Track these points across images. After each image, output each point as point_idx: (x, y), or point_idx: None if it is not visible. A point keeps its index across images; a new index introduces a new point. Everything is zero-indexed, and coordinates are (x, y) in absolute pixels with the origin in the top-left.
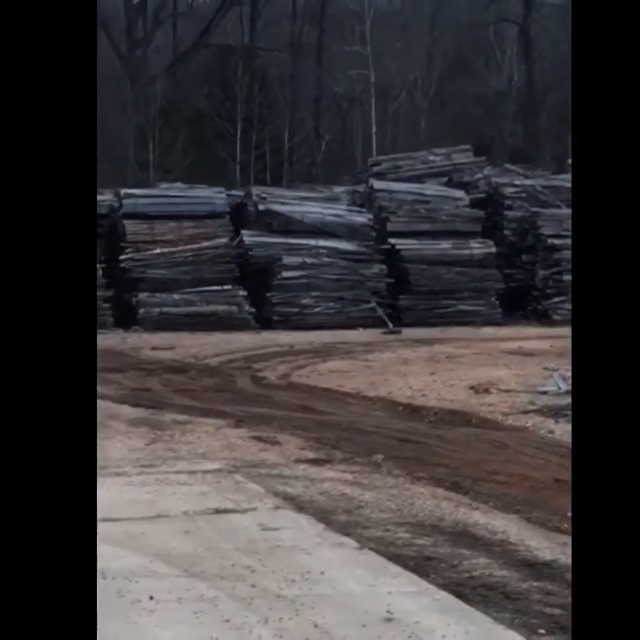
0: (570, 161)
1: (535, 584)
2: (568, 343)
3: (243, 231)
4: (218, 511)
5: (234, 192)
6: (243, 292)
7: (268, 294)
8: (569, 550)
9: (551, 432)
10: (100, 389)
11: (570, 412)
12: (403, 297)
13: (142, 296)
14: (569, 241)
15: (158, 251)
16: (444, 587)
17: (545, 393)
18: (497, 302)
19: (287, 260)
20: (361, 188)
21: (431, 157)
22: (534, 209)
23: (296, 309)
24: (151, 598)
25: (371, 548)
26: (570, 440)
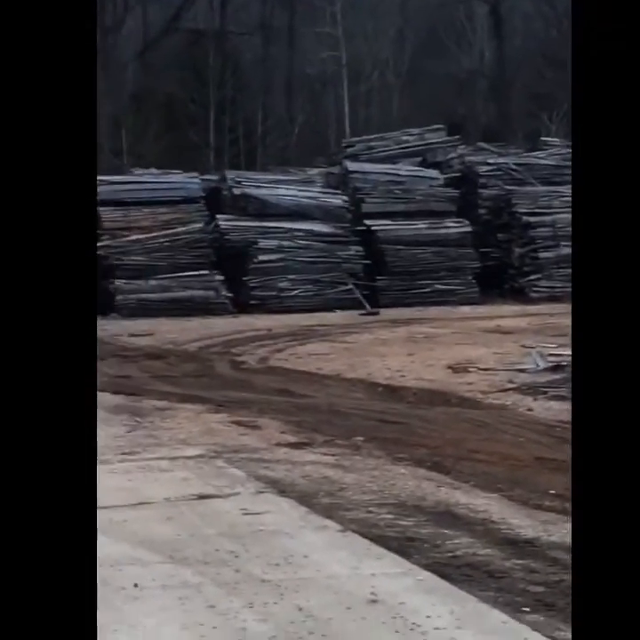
0: (543, 138)
1: (518, 562)
2: (545, 320)
3: (218, 216)
4: (200, 497)
5: (208, 177)
6: (219, 277)
7: (245, 278)
8: (551, 528)
9: (530, 410)
10: None
11: (549, 390)
12: (379, 278)
13: (119, 283)
14: (544, 218)
15: (134, 237)
16: (427, 567)
17: (523, 371)
18: (473, 281)
19: (263, 243)
20: (335, 169)
21: (404, 137)
22: (508, 187)
23: (273, 293)
24: (135, 585)
25: (353, 531)
26: (548, 417)
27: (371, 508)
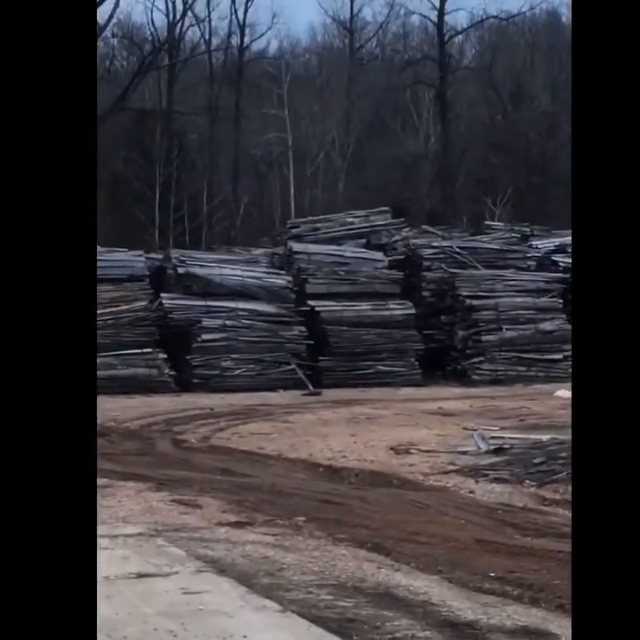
0: (487, 222)
1: None
2: (487, 403)
3: (162, 294)
4: (140, 575)
5: (153, 255)
6: (163, 355)
7: (188, 357)
8: (490, 610)
9: (472, 492)
10: None
11: (490, 472)
12: (322, 358)
13: None
14: (487, 301)
15: None
16: None
17: (465, 453)
18: (416, 363)
19: (207, 322)
20: (280, 250)
21: (349, 219)
22: (452, 270)
23: (216, 372)
24: None
25: (293, 611)
26: (490, 499)
27: (311, 589)
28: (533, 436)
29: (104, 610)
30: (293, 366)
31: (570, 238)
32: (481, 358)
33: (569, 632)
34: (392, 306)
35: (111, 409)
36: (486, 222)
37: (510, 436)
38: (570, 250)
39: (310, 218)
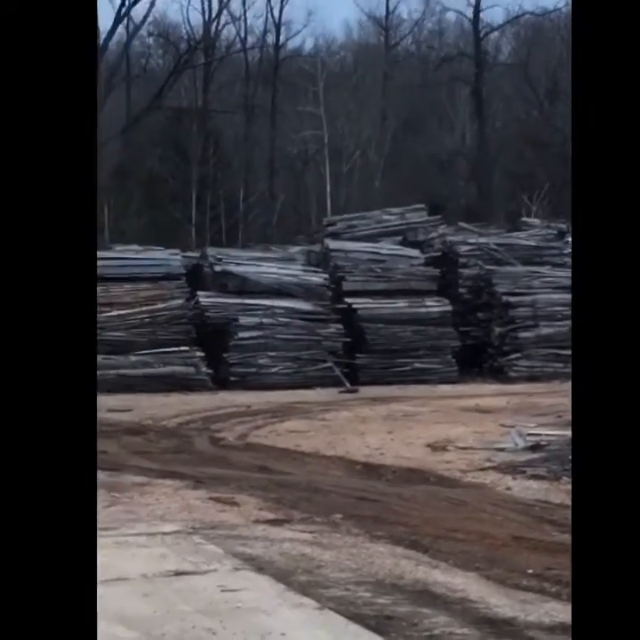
0: (523, 219)
1: None
2: (524, 400)
3: (199, 292)
4: (177, 573)
5: (189, 253)
6: (200, 353)
7: (225, 355)
8: (528, 607)
9: (509, 489)
10: None
11: (527, 469)
12: (359, 356)
13: (99, 358)
14: (524, 298)
15: (114, 313)
16: None
17: (502, 450)
18: (453, 360)
19: (243, 320)
20: (316, 248)
21: (385, 217)
22: (489, 267)
23: (253, 370)
24: None
25: (331, 608)
26: (527, 496)
27: (348, 586)
28: (570, 433)
29: (142, 607)
30: (330, 364)
31: None
32: (518, 355)
33: None
34: (428, 303)
35: (148, 407)
36: (522, 219)
37: (547, 432)
38: None
39: (346, 215)
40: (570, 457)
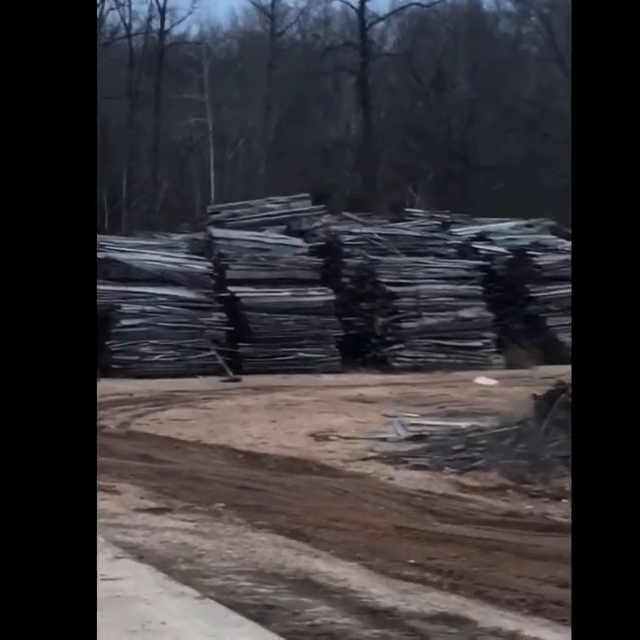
0: (407, 209)
1: (376, 631)
2: (407, 390)
3: None
4: None
5: None
6: None
7: (107, 342)
8: (409, 597)
9: (391, 479)
10: None
11: (410, 459)
12: (242, 345)
13: None
14: (407, 288)
15: None
16: (285, 635)
17: (384, 440)
18: (336, 350)
19: (126, 308)
20: (200, 235)
21: (269, 205)
22: (372, 257)
23: (135, 357)
24: None
25: (212, 598)
26: (409, 486)
27: (229, 576)
28: (453, 423)
29: None
30: (213, 352)
31: (489, 225)
32: (401, 345)
33: (487, 618)
34: (312, 292)
35: None
36: (406, 209)
37: (430, 422)
38: (490, 237)
39: (230, 204)
40: (452, 447)
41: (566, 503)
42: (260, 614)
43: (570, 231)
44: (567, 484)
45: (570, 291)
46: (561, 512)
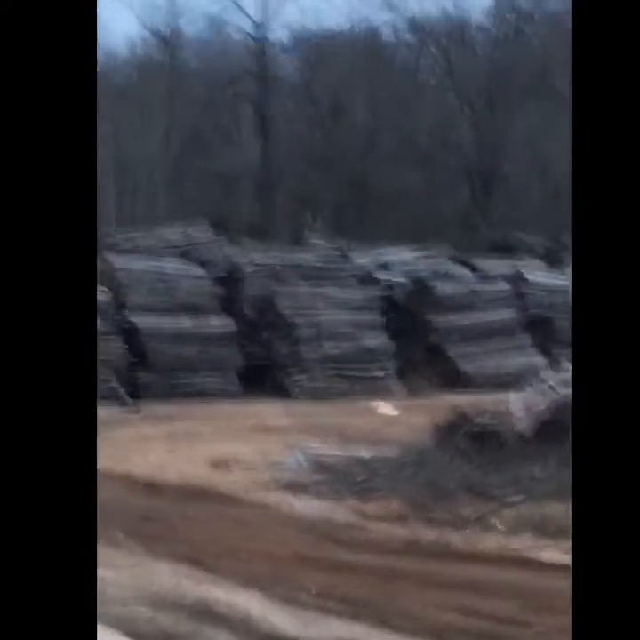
0: (307, 238)
1: None
2: (308, 419)
3: None
4: None
5: None
6: None
7: None
8: (310, 625)
9: (293, 508)
10: None
11: (311, 488)
12: (142, 374)
13: None
14: (308, 318)
15: None
16: None
17: (286, 469)
18: (237, 379)
19: None
20: (99, 263)
21: (169, 234)
22: (273, 286)
23: None
24: None
25: (110, 626)
26: (311, 515)
27: (129, 604)
28: (355, 453)
29: None
30: (112, 382)
31: (389, 255)
32: (302, 375)
33: None
34: (212, 321)
35: None
36: (306, 238)
37: (332, 452)
38: (391, 266)
39: (130, 232)
40: (355, 476)
41: (469, 532)
42: None
43: (469, 260)
44: (471, 512)
45: (471, 320)
46: (463, 540)
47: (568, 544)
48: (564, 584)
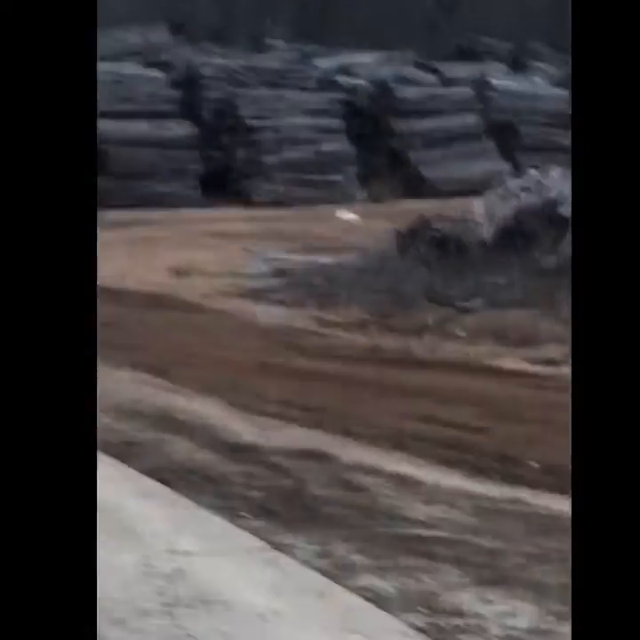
0: (267, 40)
1: (237, 468)
2: (268, 225)
3: None
4: None
5: None
6: None
7: None
8: (272, 433)
9: (252, 315)
10: None
11: (271, 295)
12: (100, 179)
13: None
14: (268, 122)
15: None
16: (146, 472)
17: (246, 275)
18: (197, 184)
19: None
20: None
21: (126, 36)
22: (233, 89)
23: None
24: None
25: None
26: (270, 322)
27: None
28: (315, 259)
29: None
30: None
31: (352, 57)
32: (262, 179)
33: (347, 452)
34: (171, 125)
35: None
36: (267, 40)
37: (292, 258)
38: (353, 70)
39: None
40: (314, 283)
41: (429, 339)
42: (121, 451)
43: (433, 65)
44: (432, 319)
45: (434, 125)
46: (422, 347)
47: (529, 352)
48: (524, 392)
